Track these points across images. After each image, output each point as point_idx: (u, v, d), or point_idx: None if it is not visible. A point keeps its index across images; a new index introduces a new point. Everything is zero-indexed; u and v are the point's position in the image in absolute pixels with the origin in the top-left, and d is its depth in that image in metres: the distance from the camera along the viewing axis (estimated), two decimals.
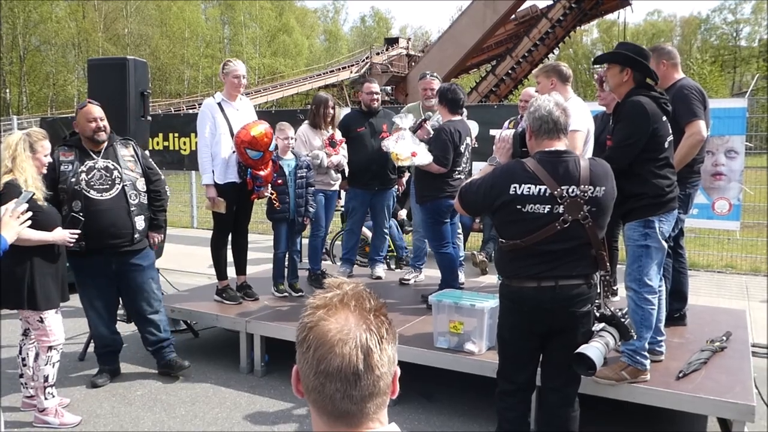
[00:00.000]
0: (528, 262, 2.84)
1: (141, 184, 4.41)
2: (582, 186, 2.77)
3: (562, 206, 2.76)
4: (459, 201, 3.12)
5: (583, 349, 2.81)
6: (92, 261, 4.32)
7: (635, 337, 3.12)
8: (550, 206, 2.76)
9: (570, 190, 2.76)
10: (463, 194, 3.07)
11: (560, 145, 2.86)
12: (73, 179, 4.17)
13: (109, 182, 4.27)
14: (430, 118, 5.05)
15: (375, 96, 5.87)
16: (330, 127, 5.64)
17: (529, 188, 2.76)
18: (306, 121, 5.73)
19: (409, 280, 5.88)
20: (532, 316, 2.90)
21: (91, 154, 4.30)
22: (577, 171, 2.78)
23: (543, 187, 2.75)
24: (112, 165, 4.32)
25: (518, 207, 2.78)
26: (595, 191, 2.79)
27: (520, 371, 3.03)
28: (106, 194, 4.24)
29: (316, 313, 1.08)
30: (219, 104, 5.01)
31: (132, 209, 4.32)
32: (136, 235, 4.37)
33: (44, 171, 3.91)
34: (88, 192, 4.19)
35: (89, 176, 4.22)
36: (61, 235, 3.85)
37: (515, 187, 2.77)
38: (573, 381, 3.02)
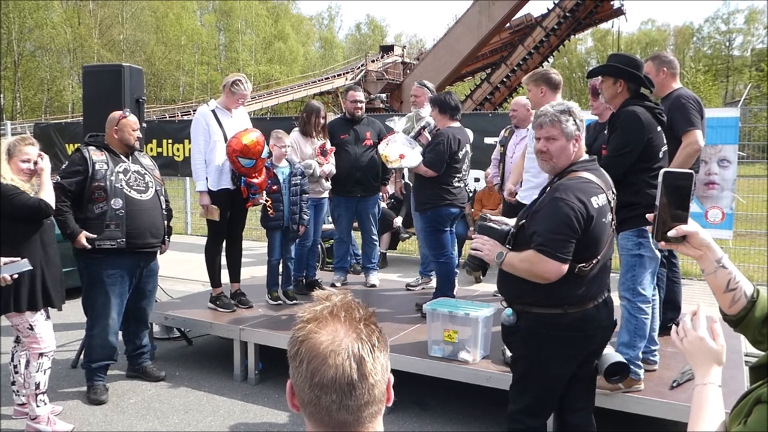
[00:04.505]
0: (589, 282, 2.65)
1: (162, 191, 4.54)
2: (613, 191, 2.78)
3: (611, 211, 2.72)
4: (548, 261, 2.55)
5: (614, 357, 2.79)
6: (124, 263, 4.28)
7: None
8: (611, 213, 2.72)
9: (612, 195, 2.75)
10: (546, 252, 2.53)
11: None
12: (112, 177, 4.19)
13: (144, 185, 4.35)
14: (429, 126, 5.08)
15: (359, 104, 5.93)
16: (321, 135, 5.66)
17: (599, 198, 2.64)
18: (296, 129, 5.74)
19: (416, 287, 5.98)
20: (588, 340, 2.71)
21: (121, 157, 4.35)
22: (607, 177, 2.79)
23: (604, 195, 2.68)
24: (143, 170, 4.41)
25: (603, 220, 2.62)
26: (615, 196, 2.82)
27: (552, 406, 2.87)
28: (144, 195, 4.32)
29: (306, 326, 1.08)
30: (213, 111, 5.01)
31: (164, 212, 4.47)
32: (167, 237, 4.52)
33: (24, 177, 3.75)
34: (129, 192, 4.25)
35: (126, 177, 4.28)
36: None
37: (595, 200, 2.60)
38: (594, 396, 2.94)
